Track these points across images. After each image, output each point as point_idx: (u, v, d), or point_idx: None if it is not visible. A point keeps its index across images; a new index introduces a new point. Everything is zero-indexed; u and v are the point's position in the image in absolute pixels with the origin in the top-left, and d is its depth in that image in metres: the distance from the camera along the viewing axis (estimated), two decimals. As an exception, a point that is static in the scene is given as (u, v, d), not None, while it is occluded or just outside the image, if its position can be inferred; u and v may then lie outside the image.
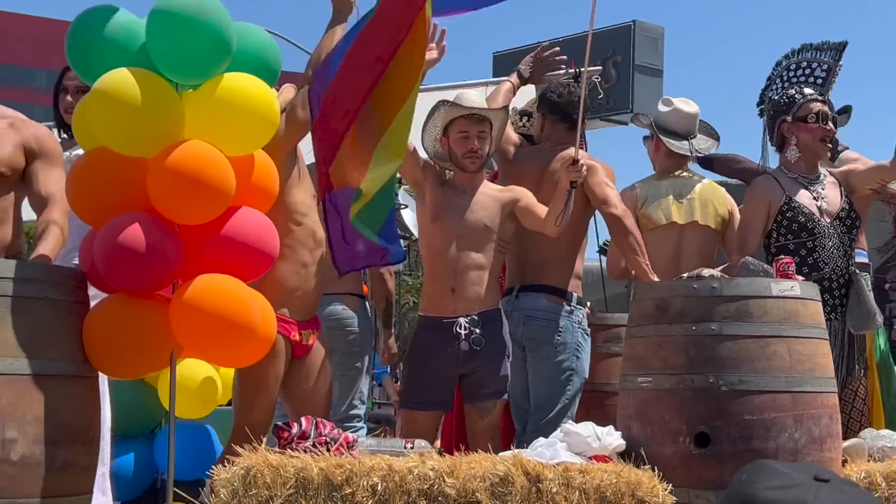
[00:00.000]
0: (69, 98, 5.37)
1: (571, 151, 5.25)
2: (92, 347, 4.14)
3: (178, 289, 4.25)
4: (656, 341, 4.60)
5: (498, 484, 4.09)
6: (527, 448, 4.56)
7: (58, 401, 3.97)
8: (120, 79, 4.09)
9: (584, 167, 5.12)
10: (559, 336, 5.43)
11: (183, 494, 4.47)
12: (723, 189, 5.97)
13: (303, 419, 4.44)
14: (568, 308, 5.49)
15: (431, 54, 4.88)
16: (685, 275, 4.92)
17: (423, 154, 5.48)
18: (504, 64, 13.96)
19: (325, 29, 4.94)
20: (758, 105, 6.00)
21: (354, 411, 5.98)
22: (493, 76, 4.66)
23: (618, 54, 14.46)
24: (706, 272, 4.90)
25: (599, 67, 6.76)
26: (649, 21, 13.68)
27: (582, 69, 6.73)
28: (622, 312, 6.62)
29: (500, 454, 4.36)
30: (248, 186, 4.35)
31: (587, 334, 5.60)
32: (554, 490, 4.11)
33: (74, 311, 4.14)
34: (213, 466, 4.26)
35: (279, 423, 4.46)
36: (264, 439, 4.44)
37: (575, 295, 5.56)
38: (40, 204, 4.58)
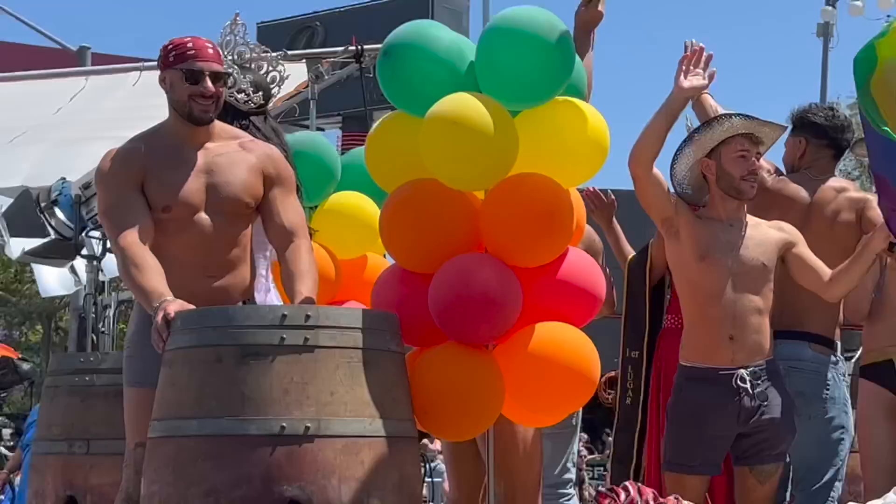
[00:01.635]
0: None
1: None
2: (428, 406, 3.67)
3: (511, 338, 3.80)
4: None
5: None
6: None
7: (409, 466, 3.51)
8: (467, 106, 3.65)
9: None
10: (828, 391, 4.98)
11: None
12: None
13: (628, 484, 4.03)
14: (834, 359, 5.05)
15: (699, 80, 4.51)
16: None
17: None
18: (269, 35, 11.75)
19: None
20: None
21: (567, 475, 5.41)
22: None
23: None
24: None
25: None
26: (452, -8, 10.93)
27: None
28: None
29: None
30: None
31: (850, 387, 5.20)
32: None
33: (405, 364, 3.67)
34: None
35: (601, 489, 4.04)
36: None
37: (839, 344, 5.14)
38: (282, 237, 4.03)
